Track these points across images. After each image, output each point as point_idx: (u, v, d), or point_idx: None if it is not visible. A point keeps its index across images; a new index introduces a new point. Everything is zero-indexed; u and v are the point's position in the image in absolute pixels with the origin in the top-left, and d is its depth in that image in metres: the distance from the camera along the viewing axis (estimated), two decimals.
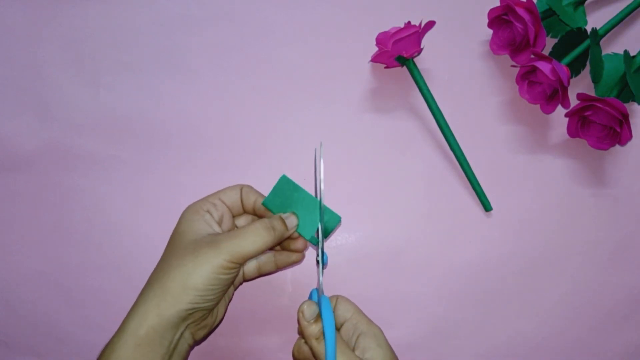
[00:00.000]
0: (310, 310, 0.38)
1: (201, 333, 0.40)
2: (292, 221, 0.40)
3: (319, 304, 0.38)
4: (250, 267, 0.43)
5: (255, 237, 0.38)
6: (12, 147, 0.50)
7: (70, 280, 0.47)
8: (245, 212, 0.43)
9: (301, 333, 0.39)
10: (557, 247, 0.49)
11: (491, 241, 0.48)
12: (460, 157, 0.48)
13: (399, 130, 0.50)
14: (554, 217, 0.49)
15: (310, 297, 0.41)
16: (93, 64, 0.52)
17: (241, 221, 0.44)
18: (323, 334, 0.37)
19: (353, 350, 0.38)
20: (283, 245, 0.43)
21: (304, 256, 0.44)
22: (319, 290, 0.40)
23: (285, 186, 0.41)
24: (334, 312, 0.41)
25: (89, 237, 0.48)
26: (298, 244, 0.42)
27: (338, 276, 0.47)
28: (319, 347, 0.37)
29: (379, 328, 0.40)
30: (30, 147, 0.50)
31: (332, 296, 0.42)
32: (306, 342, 0.39)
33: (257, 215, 0.42)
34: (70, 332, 0.46)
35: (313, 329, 0.37)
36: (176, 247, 0.38)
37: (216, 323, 0.41)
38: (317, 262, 0.41)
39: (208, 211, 0.40)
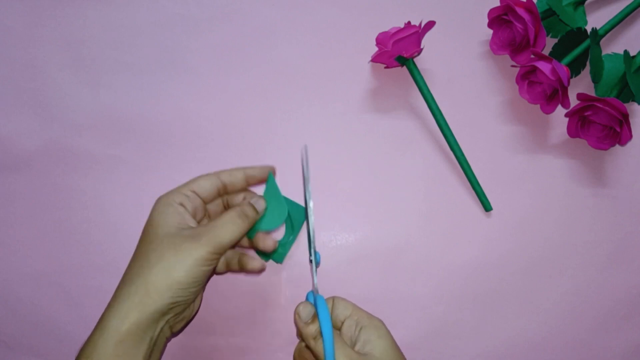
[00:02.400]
0: (305, 311, 0.38)
1: (179, 326, 0.40)
2: (260, 205, 0.41)
3: (314, 304, 0.39)
4: (220, 262, 0.44)
5: (232, 225, 0.38)
6: (12, 147, 0.50)
7: (70, 280, 0.47)
8: (232, 192, 0.43)
9: (299, 335, 0.39)
10: (557, 247, 0.49)
11: (491, 241, 0.48)
12: (460, 157, 0.48)
13: (399, 130, 0.50)
14: (553, 217, 0.49)
15: (307, 299, 0.41)
16: (93, 64, 0.52)
17: (212, 206, 0.44)
18: (320, 333, 0.37)
19: (354, 344, 0.39)
20: (255, 242, 0.43)
21: (263, 268, 0.43)
22: (314, 290, 0.40)
23: (273, 185, 0.43)
24: (331, 313, 0.41)
25: (89, 237, 0.48)
26: (267, 241, 0.42)
27: (338, 276, 0.47)
28: (317, 347, 0.37)
29: (380, 320, 0.40)
30: (30, 147, 0.50)
31: (328, 298, 0.42)
32: (305, 343, 0.39)
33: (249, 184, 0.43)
34: (70, 332, 0.46)
35: (310, 329, 0.38)
36: (153, 240, 0.38)
37: (193, 314, 0.41)
38: (310, 261, 0.41)
39: (181, 204, 0.40)
